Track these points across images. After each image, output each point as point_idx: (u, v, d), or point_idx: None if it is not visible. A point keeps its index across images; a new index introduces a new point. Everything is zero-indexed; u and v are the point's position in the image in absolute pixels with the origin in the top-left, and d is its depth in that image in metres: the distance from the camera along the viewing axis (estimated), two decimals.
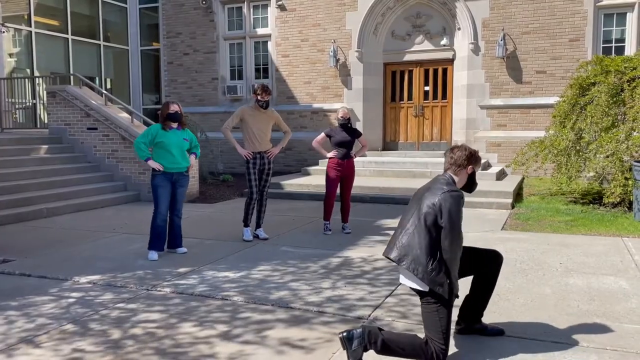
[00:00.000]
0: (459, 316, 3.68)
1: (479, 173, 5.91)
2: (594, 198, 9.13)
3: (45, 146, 10.47)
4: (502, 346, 3.50)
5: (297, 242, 6.65)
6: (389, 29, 13.58)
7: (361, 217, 8.16)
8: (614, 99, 8.46)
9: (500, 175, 11.13)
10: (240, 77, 15.06)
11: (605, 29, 11.93)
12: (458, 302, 3.38)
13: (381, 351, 3.19)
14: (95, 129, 10.65)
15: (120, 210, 9.18)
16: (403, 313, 4.13)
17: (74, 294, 4.68)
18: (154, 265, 5.60)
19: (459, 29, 12.86)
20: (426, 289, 3.17)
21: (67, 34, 14.55)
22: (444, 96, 13.39)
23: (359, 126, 12.82)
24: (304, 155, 13.89)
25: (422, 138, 13.64)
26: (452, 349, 3.44)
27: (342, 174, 7.12)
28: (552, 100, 11.00)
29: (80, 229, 7.54)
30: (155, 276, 5.20)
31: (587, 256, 5.80)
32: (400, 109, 13.82)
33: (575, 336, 3.64)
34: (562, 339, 3.61)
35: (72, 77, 12.96)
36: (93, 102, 10.73)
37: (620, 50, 11.66)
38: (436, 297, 3.17)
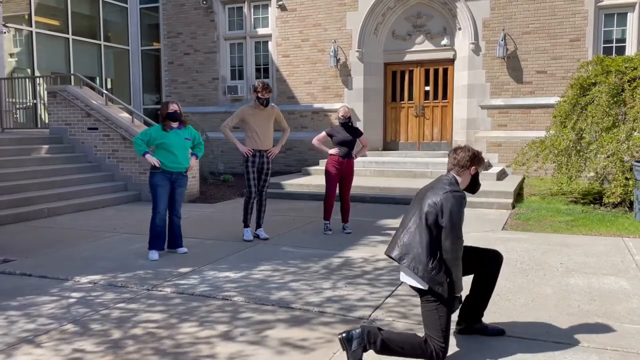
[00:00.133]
0: (459, 316, 3.67)
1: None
2: (595, 198, 9.12)
3: (46, 146, 10.48)
4: (502, 346, 3.50)
5: (297, 242, 6.65)
6: (390, 29, 13.58)
7: (361, 217, 8.16)
8: (615, 99, 8.46)
9: (501, 176, 11.13)
10: (240, 77, 15.07)
11: (605, 29, 11.93)
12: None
13: (381, 351, 3.19)
14: (96, 129, 10.66)
15: (120, 210, 9.19)
16: (403, 313, 4.12)
17: (75, 294, 4.68)
18: (154, 265, 5.60)
19: (460, 29, 12.86)
20: (426, 287, 3.18)
21: (68, 33, 14.56)
22: (445, 96, 13.39)
23: (359, 126, 12.81)
24: (305, 155, 13.90)
25: (423, 138, 13.64)
26: (453, 348, 3.44)
27: (341, 172, 7.10)
28: (552, 100, 10.99)
29: (80, 228, 7.54)
30: (155, 276, 5.20)
31: (587, 256, 5.80)
32: (400, 109, 13.82)
33: (575, 336, 3.64)
34: (563, 339, 3.61)
35: (72, 77, 12.97)
36: (94, 102, 10.74)
37: (621, 51, 11.66)
38: (436, 296, 3.18)
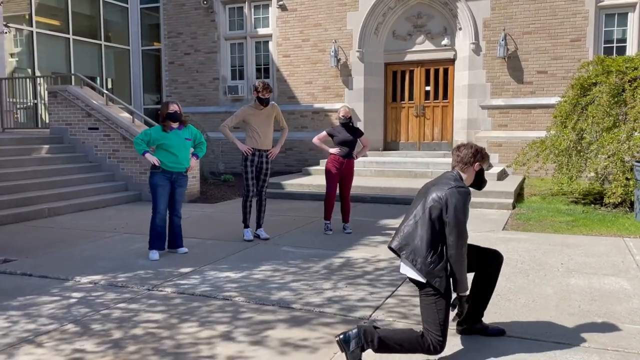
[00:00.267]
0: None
1: None
2: (595, 198, 9.12)
3: (47, 146, 10.48)
4: (503, 346, 3.50)
5: (298, 242, 6.65)
6: (390, 29, 13.58)
7: (362, 217, 8.16)
8: (615, 99, 8.46)
9: (502, 176, 11.12)
10: (241, 77, 15.07)
11: (606, 29, 11.93)
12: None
13: (379, 349, 3.19)
14: (97, 128, 10.66)
15: (121, 210, 9.19)
16: (404, 314, 4.12)
17: (75, 294, 4.68)
18: (155, 265, 5.60)
19: (460, 29, 12.85)
20: (424, 280, 3.18)
21: (68, 33, 14.56)
22: (445, 96, 13.39)
23: (360, 126, 12.80)
24: (305, 155, 13.90)
25: (423, 138, 13.64)
26: (453, 348, 3.44)
27: (342, 172, 7.10)
28: (553, 100, 10.99)
29: (81, 228, 7.54)
30: (156, 276, 5.21)
31: (588, 256, 5.80)
32: (401, 109, 13.82)
33: (576, 336, 3.64)
34: (564, 339, 3.61)
35: (73, 77, 12.98)
36: (94, 102, 10.74)
37: (621, 51, 11.65)
38: (435, 289, 3.17)
